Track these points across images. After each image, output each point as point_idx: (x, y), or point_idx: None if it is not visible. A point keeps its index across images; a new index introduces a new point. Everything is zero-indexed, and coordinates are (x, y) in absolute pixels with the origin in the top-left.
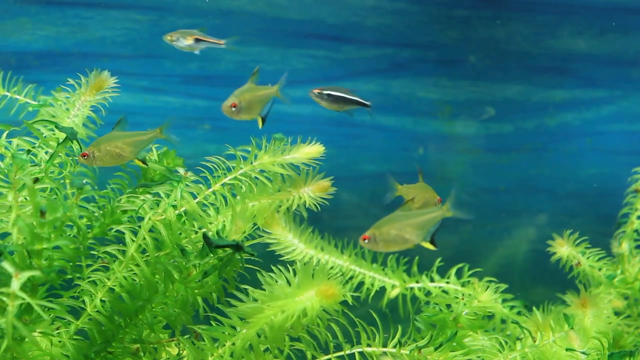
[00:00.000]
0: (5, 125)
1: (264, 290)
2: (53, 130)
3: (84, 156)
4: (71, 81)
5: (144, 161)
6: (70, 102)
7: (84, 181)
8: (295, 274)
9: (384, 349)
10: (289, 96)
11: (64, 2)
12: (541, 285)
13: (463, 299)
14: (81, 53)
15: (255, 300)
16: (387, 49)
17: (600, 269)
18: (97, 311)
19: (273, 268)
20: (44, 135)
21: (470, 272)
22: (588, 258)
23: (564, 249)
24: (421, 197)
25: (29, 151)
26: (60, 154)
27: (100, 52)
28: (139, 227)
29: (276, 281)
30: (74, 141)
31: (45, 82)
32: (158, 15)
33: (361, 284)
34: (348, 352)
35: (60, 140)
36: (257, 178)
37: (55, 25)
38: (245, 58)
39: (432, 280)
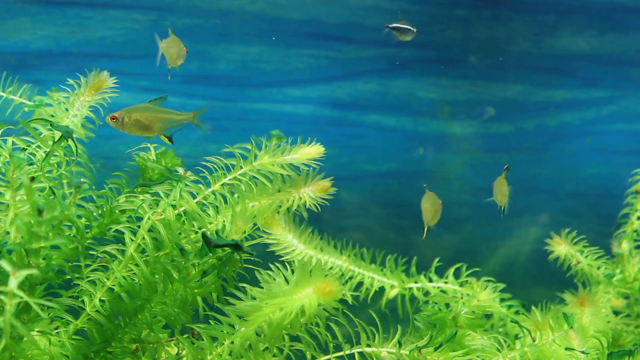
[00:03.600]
0: (0, 123)
1: (262, 288)
2: (52, 130)
3: (113, 119)
4: (70, 81)
5: (170, 138)
6: (69, 102)
7: (81, 180)
8: (293, 272)
9: (384, 349)
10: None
11: (64, 2)
12: (542, 285)
13: (462, 298)
14: (81, 53)
15: (254, 298)
16: (387, 49)
17: (599, 268)
18: (97, 311)
19: (271, 266)
20: (40, 135)
21: (469, 272)
22: (587, 257)
23: (561, 247)
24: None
25: (24, 149)
26: (57, 153)
27: (100, 52)
28: (138, 227)
29: (274, 279)
30: (70, 140)
31: (45, 82)
32: (158, 15)
33: (360, 284)
34: (348, 352)
35: (56, 139)
36: (256, 178)
37: (55, 25)
38: (245, 58)
39: (430, 280)
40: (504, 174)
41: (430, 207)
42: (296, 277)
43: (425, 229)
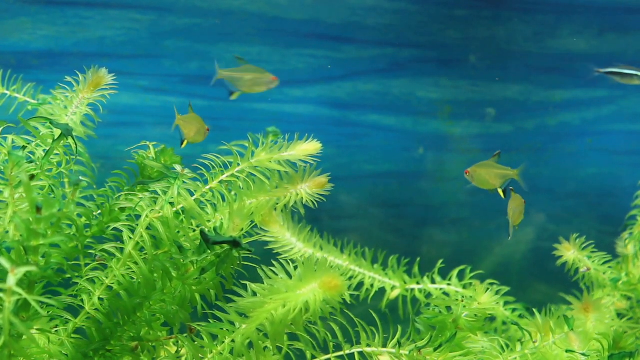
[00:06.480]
0: (0, 121)
1: (264, 284)
2: (51, 129)
3: None
4: (69, 79)
5: None
6: (68, 100)
7: (79, 177)
8: (296, 268)
9: (384, 349)
10: None
11: (64, 2)
12: (541, 285)
13: (463, 300)
14: (81, 53)
15: (255, 294)
16: (387, 49)
17: (604, 273)
18: (96, 309)
19: (274, 262)
20: (40, 133)
21: (472, 274)
22: (593, 262)
23: (570, 253)
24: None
25: (24, 147)
26: (57, 152)
27: (100, 52)
28: (137, 225)
29: (276, 274)
30: (70, 138)
31: (45, 82)
32: (158, 15)
33: (361, 284)
34: (348, 352)
35: (56, 137)
36: (254, 175)
37: (55, 25)
38: (245, 58)
39: (433, 281)
40: (494, 159)
41: (516, 208)
42: (301, 272)
43: (511, 230)
